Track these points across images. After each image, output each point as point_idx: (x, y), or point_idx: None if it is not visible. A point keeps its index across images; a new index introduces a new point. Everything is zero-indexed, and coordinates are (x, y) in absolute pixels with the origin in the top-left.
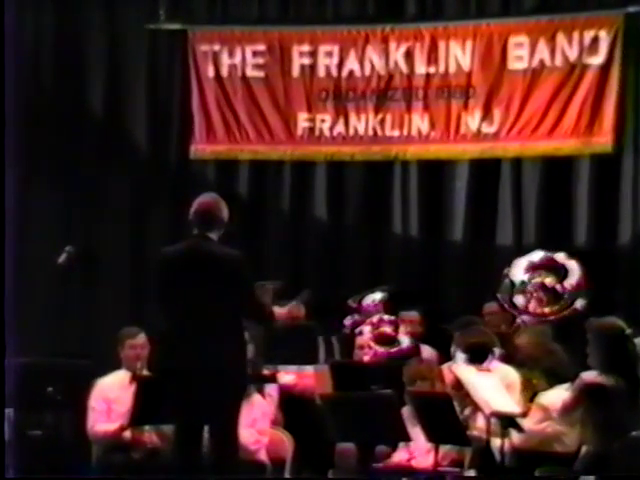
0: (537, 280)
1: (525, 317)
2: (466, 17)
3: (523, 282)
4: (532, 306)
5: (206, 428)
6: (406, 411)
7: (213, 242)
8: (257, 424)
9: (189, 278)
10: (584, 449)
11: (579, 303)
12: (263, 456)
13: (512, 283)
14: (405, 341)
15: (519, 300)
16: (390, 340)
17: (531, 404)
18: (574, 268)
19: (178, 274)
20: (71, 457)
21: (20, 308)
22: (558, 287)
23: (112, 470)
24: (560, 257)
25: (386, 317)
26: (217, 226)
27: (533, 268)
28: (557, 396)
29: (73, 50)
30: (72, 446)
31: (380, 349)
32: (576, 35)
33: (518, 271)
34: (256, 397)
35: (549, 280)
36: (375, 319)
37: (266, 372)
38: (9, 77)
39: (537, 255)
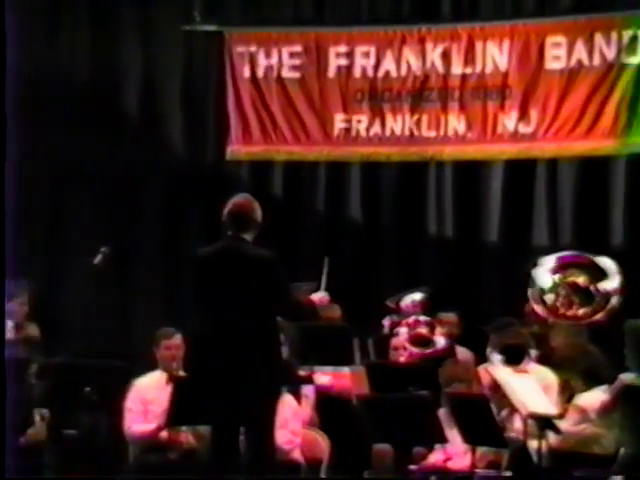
0: (569, 280)
1: (556, 319)
2: (503, 17)
3: (554, 282)
4: (562, 307)
5: (242, 429)
6: (443, 412)
7: (247, 243)
8: (289, 424)
9: (223, 279)
10: (622, 451)
11: (613, 304)
12: (297, 456)
13: (541, 285)
14: (441, 342)
15: (549, 300)
16: (426, 341)
17: (568, 405)
18: (613, 271)
19: (213, 275)
20: (107, 457)
21: (56, 308)
22: (592, 288)
23: (148, 470)
24: (598, 258)
25: (422, 318)
26: (251, 227)
27: (563, 267)
28: (595, 398)
29: (109, 51)
30: (108, 446)
31: (415, 350)
32: (614, 34)
33: (546, 271)
34: (287, 397)
35: (582, 280)
36: (411, 320)
37: (302, 373)
38: (44, 77)
39: (566, 254)
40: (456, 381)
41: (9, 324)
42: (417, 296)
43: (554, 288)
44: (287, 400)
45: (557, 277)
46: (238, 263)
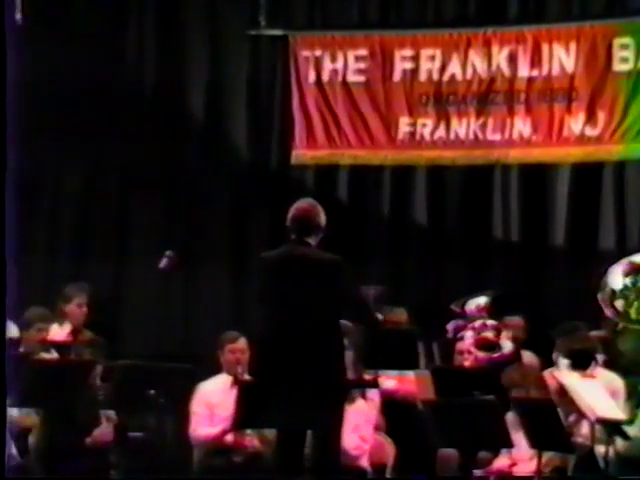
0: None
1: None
2: (569, 19)
3: (625, 286)
4: (633, 312)
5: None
6: (509, 417)
7: (311, 247)
8: (360, 430)
9: (288, 283)
10: None
11: None
12: (365, 462)
13: (612, 290)
14: (507, 346)
15: (619, 306)
16: (492, 345)
17: (637, 411)
18: None
19: (277, 279)
20: (172, 460)
21: (121, 311)
22: None
23: (213, 473)
24: None
25: (489, 322)
26: (315, 231)
27: (635, 270)
28: None
29: (176, 56)
30: (174, 449)
31: (481, 354)
32: None
33: (617, 275)
34: (360, 403)
35: None
36: (477, 324)
37: (367, 377)
38: (111, 80)
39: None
40: (519, 385)
41: (67, 327)
42: (482, 300)
43: (625, 292)
44: (360, 406)
45: (628, 281)
46: (302, 266)
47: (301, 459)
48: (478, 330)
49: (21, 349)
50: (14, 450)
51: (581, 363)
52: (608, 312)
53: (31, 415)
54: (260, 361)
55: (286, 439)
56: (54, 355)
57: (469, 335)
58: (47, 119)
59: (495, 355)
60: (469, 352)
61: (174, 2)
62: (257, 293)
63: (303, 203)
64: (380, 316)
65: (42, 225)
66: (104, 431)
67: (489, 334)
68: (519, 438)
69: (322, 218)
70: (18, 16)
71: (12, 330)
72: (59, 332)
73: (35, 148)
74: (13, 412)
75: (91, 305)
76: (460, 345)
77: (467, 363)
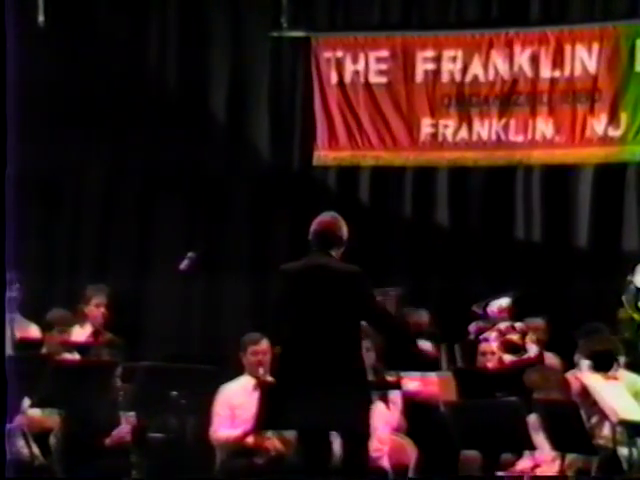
0: None
1: None
2: (592, 20)
3: None
4: None
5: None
6: (531, 419)
7: (332, 258)
8: (378, 431)
9: (308, 292)
10: None
11: None
12: (385, 463)
13: (637, 289)
14: (532, 349)
15: None
16: (517, 348)
17: None
18: None
19: (298, 290)
20: (194, 461)
21: (143, 311)
22: None
23: (235, 475)
24: None
25: (516, 324)
26: (337, 244)
27: None
28: None
29: (198, 56)
30: (195, 450)
31: (506, 356)
32: None
33: None
34: (378, 405)
35: None
36: (503, 326)
37: (390, 378)
38: (134, 81)
39: None
40: (541, 387)
41: (88, 328)
42: (504, 302)
43: None
44: (378, 408)
45: None
46: (322, 276)
47: (324, 460)
48: (504, 332)
49: (43, 350)
50: (36, 450)
51: (603, 365)
52: (633, 314)
53: (52, 415)
54: (282, 363)
55: (308, 440)
56: (76, 356)
57: (493, 337)
58: (69, 119)
59: (520, 357)
60: (492, 354)
61: (196, 4)
62: (277, 303)
63: (326, 217)
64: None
65: (64, 226)
66: (123, 432)
67: (514, 337)
68: (541, 439)
69: (344, 231)
70: (40, 18)
71: (33, 331)
72: (80, 333)
73: (56, 149)
74: (35, 412)
75: (112, 306)
76: (483, 347)
77: (490, 365)
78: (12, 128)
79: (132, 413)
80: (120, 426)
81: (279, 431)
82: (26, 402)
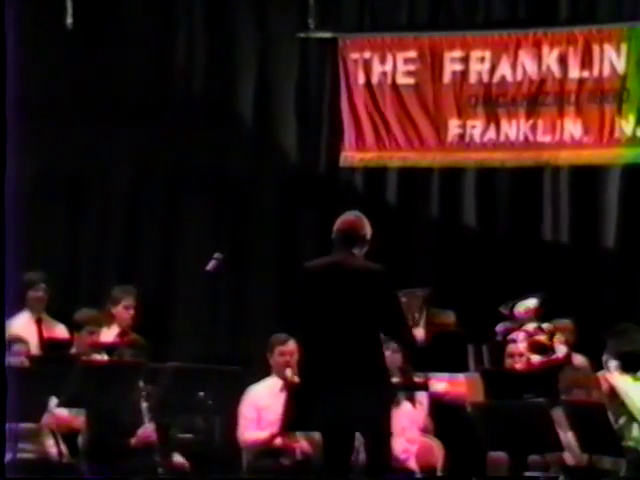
0: None
1: None
2: (620, 19)
3: None
4: None
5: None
6: (558, 418)
7: (355, 257)
8: (406, 432)
9: (331, 290)
10: None
11: None
12: (412, 465)
13: None
14: (561, 350)
15: None
16: (545, 348)
17: None
18: None
19: (320, 287)
20: (221, 461)
21: (172, 314)
22: None
23: (262, 476)
24: None
25: (544, 325)
26: (360, 243)
27: None
28: None
29: (225, 57)
30: (222, 450)
31: (534, 357)
32: None
33: None
34: (405, 405)
35: None
36: (531, 327)
37: (417, 380)
38: (161, 82)
39: None
40: (576, 388)
41: (115, 329)
42: (531, 302)
43: None
44: (406, 408)
45: None
46: (344, 274)
47: (348, 461)
48: (532, 333)
49: (72, 350)
50: (64, 449)
51: (631, 365)
52: None
53: (79, 415)
54: (305, 362)
55: (332, 441)
56: (104, 357)
57: (521, 338)
58: (97, 120)
59: (548, 358)
60: (520, 355)
61: (223, 5)
62: (299, 301)
63: (349, 216)
64: (420, 334)
65: (90, 227)
66: (148, 431)
67: (542, 337)
68: (569, 438)
69: (367, 230)
70: (69, 20)
71: (60, 331)
72: (107, 334)
73: (84, 149)
74: (62, 412)
75: (139, 307)
76: (511, 348)
77: (518, 366)
78: (40, 129)
79: (156, 413)
80: (144, 426)
81: (306, 432)
82: (53, 401)
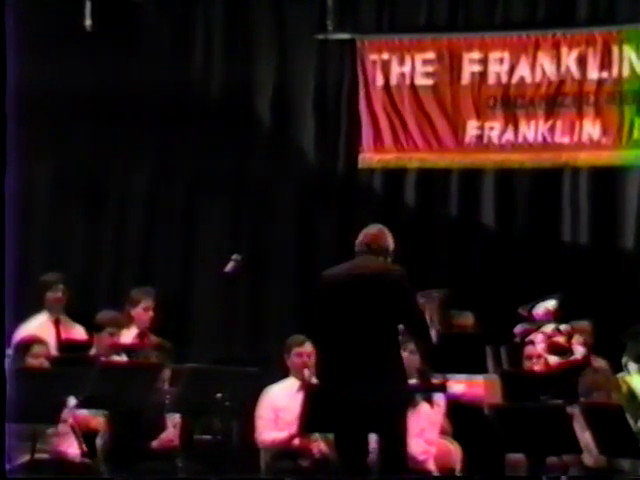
0: None
1: None
2: (639, 20)
3: None
4: None
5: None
6: (577, 420)
7: (375, 259)
8: (425, 434)
9: (350, 292)
10: None
11: None
12: (431, 466)
13: None
14: (579, 351)
15: None
16: (564, 350)
17: None
18: None
19: (339, 289)
20: (239, 462)
21: (190, 316)
22: None
23: (280, 477)
24: None
25: (562, 327)
26: (382, 254)
27: None
28: None
29: (243, 59)
30: (240, 451)
31: (553, 359)
32: None
33: None
34: (424, 406)
35: None
36: (549, 329)
37: (435, 381)
38: (180, 86)
39: None
40: (596, 390)
41: (134, 330)
42: (550, 304)
43: None
44: (424, 409)
45: None
46: (364, 276)
47: (364, 461)
48: (550, 335)
49: (92, 351)
50: (86, 448)
51: None
52: None
53: (98, 416)
54: (327, 365)
55: (348, 442)
56: (124, 358)
57: (540, 339)
58: (116, 122)
59: (567, 360)
60: (539, 356)
61: (242, 7)
62: (318, 304)
63: (372, 229)
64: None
65: (109, 228)
66: (170, 435)
67: (560, 339)
68: (587, 439)
69: (390, 243)
70: (87, 22)
71: (79, 332)
72: (126, 335)
73: (103, 151)
74: (81, 412)
75: (158, 309)
76: (530, 349)
77: (537, 367)
78: (60, 130)
79: (177, 415)
80: (168, 429)
81: (324, 433)
82: (72, 401)
